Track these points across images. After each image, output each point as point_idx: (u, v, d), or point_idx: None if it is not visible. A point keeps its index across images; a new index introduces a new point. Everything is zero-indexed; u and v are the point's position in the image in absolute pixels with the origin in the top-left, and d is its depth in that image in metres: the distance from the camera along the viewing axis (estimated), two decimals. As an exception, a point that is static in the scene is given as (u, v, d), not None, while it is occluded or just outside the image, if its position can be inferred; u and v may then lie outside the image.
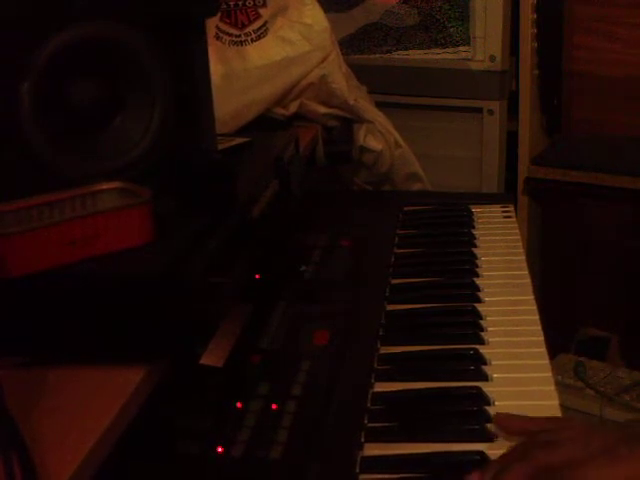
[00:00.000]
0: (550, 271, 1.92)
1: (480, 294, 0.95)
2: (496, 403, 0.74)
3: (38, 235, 0.65)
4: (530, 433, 0.67)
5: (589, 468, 0.60)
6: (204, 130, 0.83)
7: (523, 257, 1.06)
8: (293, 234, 1.07)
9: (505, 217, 1.20)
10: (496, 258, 1.05)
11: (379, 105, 1.51)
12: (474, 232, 1.13)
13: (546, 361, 0.81)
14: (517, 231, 1.14)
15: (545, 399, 0.75)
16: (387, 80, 1.83)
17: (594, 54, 1.89)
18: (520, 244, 1.10)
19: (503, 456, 0.65)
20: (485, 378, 0.78)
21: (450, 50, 1.81)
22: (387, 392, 0.76)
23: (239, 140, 1.04)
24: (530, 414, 0.71)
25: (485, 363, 0.80)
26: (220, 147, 0.94)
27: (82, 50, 0.73)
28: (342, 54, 1.42)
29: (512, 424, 0.70)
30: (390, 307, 0.93)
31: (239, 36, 1.38)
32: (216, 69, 1.25)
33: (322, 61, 1.36)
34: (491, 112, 1.78)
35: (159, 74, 0.77)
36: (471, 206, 1.22)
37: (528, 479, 0.61)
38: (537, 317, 0.89)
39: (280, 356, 0.80)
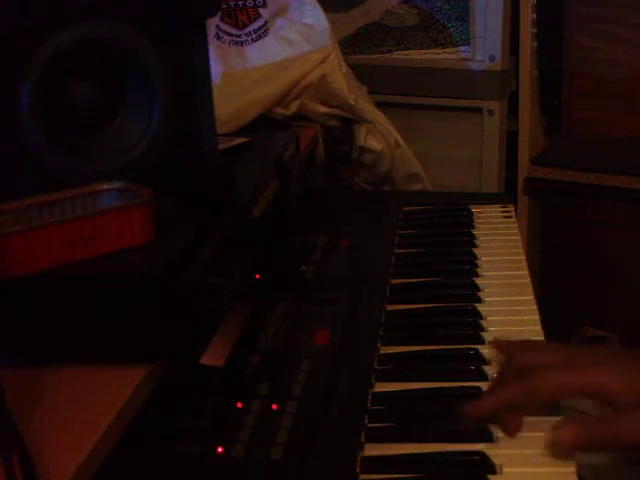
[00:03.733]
0: (550, 271, 1.92)
1: (480, 294, 0.94)
2: (496, 403, 0.74)
3: (38, 235, 0.65)
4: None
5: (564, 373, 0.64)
6: (204, 130, 0.83)
7: (523, 257, 1.05)
8: (293, 234, 1.07)
9: (505, 217, 1.19)
10: (496, 258, 1.05)
11: (379, 105, 1.51)
12: (474, 232, 1.13)
13: (546, 361, 0.81)
14: (517, 231, 1.14)
15: (545, 399, 0.75)
16: (387, 80, 1.83)
17: (594, 54, 1.89)
18: (520, 244, 1.10)
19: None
20: (486, 378, 0.77)
21: (450, 50, 1.81)
22: (387, 392, 0.76)
23: (239, 140, 1.04)
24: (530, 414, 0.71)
25: (485, 363, 0.80)
26: (220, 147, 0.94)
27: (82, 50, 0.73)
28: (342, 54, 1.42)
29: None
30: (390, 307, 0.93)
31: (239, 36, 1.38)
32: (216, 69, 1.25)
33: (322, 61, 1.36)
34: (491, 112, 1.78)
35: (159, 74, 0.77)
36: (471, 206, 1.22)
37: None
38: (537, 317, 0.89)
39: (280, 356, 0.80)
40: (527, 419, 0.70)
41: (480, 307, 0.91)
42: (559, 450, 0.63)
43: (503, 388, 0.67)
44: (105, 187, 0.73)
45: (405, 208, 1.23)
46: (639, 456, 0.62)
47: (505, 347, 0.77)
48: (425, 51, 1.84)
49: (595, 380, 0.64)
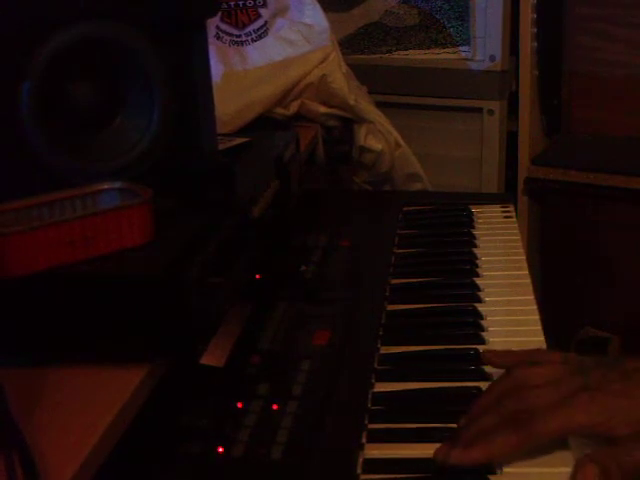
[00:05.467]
0: (550, 271, 1.92)
1: (480, 294, 0.94)
2: (496, 403, 0.74)
3: (38, 235, 0.65)
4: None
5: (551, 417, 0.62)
6: (204, 130, 0.83)
7: (523, 257, 1.06)
8: (293, 234, 1.07)
9: (505, 217, 1.20)
10: (496, 258, 1.05)
11: (379, 105, 1.51)
12: (474, 232, 1.13)
13: (546, 361, 0.81)
14: (517, 231, 1.14)
15: (545, 399, 0.75)
16: (387, 80, 1.83)
17: (594, 54, 1.89)
18: (520, 244, 1.10)
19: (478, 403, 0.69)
20: (486, 378, 0.77)
21: (450, 50, 1.81)
22: (387, 392, 0.76)
23: (239, 140, 1.04)
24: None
25: (486, 363, 0.80)
26: (220, 147, 0.94)
27: (82, 50, 0.73)
28: (342, 54, 1.42)
29: (496, 360, 0.76)
30: (390, 307, 0.93)
31: (239, 36, 1.38)
32: (216, 69, 1.25)
33: (322, 61, 1.36)
34: (491, 112, 1.78)
35: (159, 74, 0.77)
36: (471, 206, 1.22)
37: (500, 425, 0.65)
38: (537, 317, 0.89)
39: (280, 356, 0.80)
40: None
41: (480, 307, 0.91)
42: None
43: (491, 441, 0.64)
44: (105, 187, 0.73)
45: (405, 208, 1.23)
46: None
47: (495, 360, 0.76)
48: (425, 51, 1.84)
49: (587, 420, 0.62)
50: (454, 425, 0.70)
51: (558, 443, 0.65)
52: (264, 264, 0.90)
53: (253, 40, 1.38)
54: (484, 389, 0.74)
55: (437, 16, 1.81)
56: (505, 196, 1.43)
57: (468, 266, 1.02)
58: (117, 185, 0.73)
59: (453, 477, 0.65)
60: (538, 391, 0.66)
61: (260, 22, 1.38)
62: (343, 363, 0.80)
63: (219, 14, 1.36)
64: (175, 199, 0.77)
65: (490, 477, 0.63)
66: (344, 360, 0.80)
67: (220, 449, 0.65)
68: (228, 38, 1.38)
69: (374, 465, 0.66)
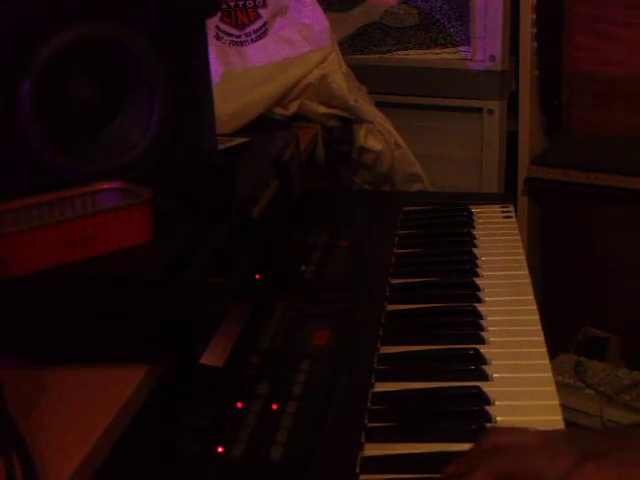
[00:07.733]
0: (550, 271, 1.92)
1: (480, 294, 0.94)
2: (496, 403, 0.74)
3: (38, 235, 0.65)
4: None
5: None
6: (204, 130, 0.83)
7: (523, 257, 1.06)
8: (293, 234, 1.07)
9: (505, 217, 1.20)
10: (496, 258, 1.05)
11: (379, 105, 1.51)
12: (474, 232, 1.13)
13: (546, 361, 0.81)
14: (517, 231, 1.14)
15: (545, 399, 0.75)
16: (387, 80, 1.83)
17: (594, 54, 1.89)
18: (520, 244, 1.10)
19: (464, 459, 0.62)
20: (485, 378, 0.78)
21: (450, 50, 1.82)
22: (387, 392, 0.76)
23: (239, 140, 1.04)
24: (530, 414, 0.71)
25: (485, 363, 0.80)
26: (220, 147, 0.94)
27: (82, 50, 0.73)
28: (342, 54, 1.42)
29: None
30: (390, 307, 0.93)
31: (239, 36, 1.38)
32: (216, 69, 1.25)
33: (322, 61, 1.36)
34: (491, 112, 1.78)
35: (159, 74, 0.77)
36: (471, 206, 1.22)
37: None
38: (537, 317, 0.89)
39: (280, 356, 0.80)
40: (527, 418, 0.71)
41: (480, 307, 0.91)
42: None
43: None
44: (105, 187, 0.73)
45: (405, 208, 1.23)
46: None
47: None
48: (425, 51, 1.85)
49: (524, 465, 0.59)
50: (453, 425, 0.70)
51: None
52: (264, 264, 0.90)
53: (253, 40, 1.38)
54: (484, 389, 0.73)
55: (437, 16, 1.81)
56: (505, 196, 1.43)
57: (468, 266, 1.02)
58: (117, 185, 0.73)
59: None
60: (538, 464, 0.59)
61: (260, 22, 1.39)
62: (343, 363, 0.80)
63: (219, 14, 1.36)
64: (175, 199, 0.77)
65: None
66: (344, 360, 0.80)
67: (220, 449, 0.65)
68: (228, 38, 1.38)
69: (373, 465, 0.66)
